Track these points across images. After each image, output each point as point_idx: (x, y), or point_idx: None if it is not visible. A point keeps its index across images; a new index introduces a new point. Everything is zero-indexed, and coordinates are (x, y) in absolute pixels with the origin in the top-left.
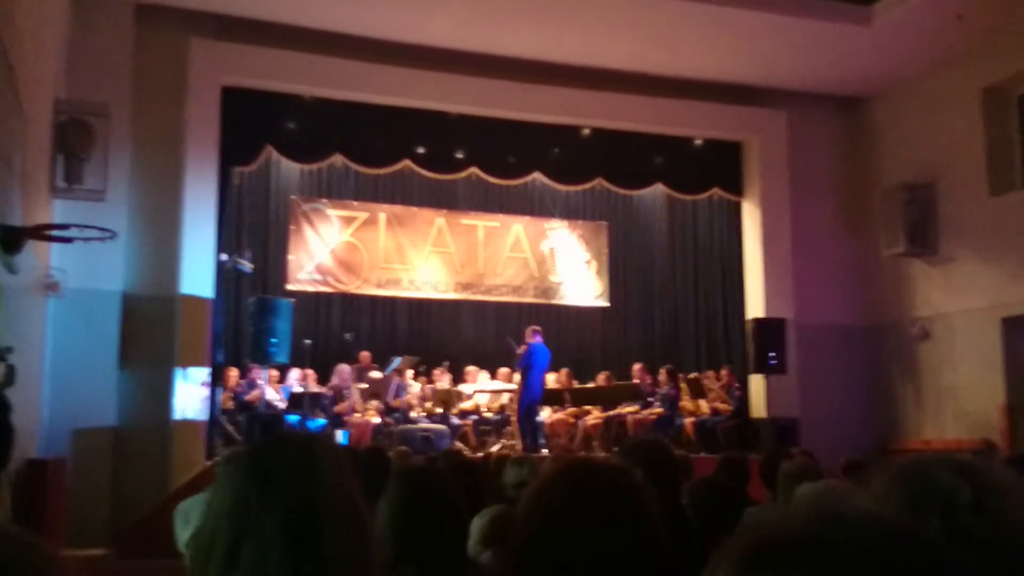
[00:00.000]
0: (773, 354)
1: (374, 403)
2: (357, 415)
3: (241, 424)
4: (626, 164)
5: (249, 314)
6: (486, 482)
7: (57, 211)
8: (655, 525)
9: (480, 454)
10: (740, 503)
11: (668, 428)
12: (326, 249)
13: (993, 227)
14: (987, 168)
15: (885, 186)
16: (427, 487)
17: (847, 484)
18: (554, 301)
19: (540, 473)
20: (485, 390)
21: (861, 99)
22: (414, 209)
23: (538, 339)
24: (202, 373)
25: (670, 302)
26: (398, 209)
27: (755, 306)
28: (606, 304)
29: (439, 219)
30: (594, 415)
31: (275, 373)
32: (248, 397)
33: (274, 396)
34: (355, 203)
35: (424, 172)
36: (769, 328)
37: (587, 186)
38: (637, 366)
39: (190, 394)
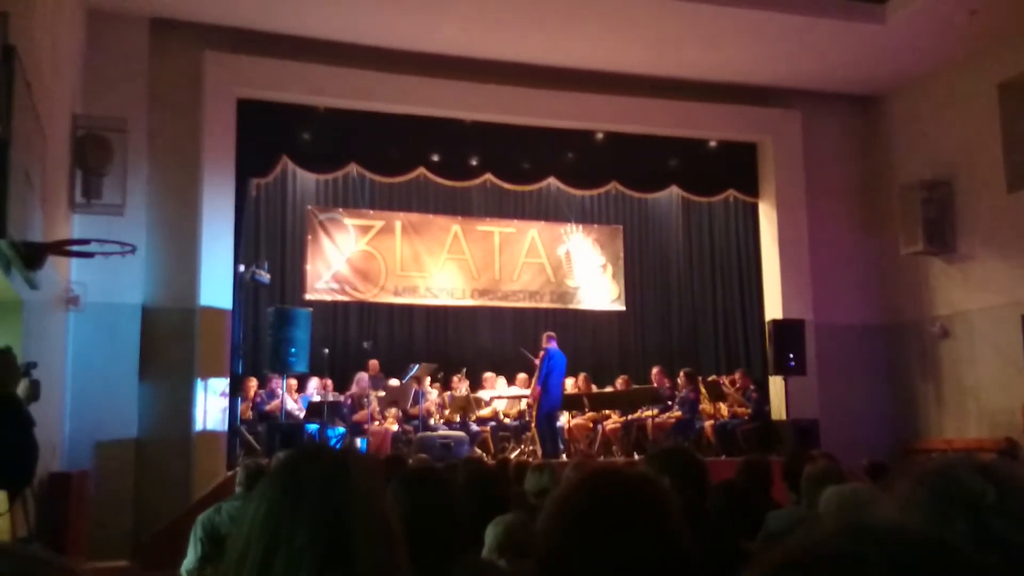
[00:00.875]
0: (792, 355)
1: (393, 411)
2: (376, 423)
3: (261, 434)
4: (640, 167)
5: (268, 324)
6: (506, 489)
7: (76, 226)
8: (681, 534)
9: (496, 460)
10: (762, 506)
11: (688, 431)
12: (343, 258)
13: (1012, 224)
14: (1004, 164)
15: (902, 184)
16: (423, 491)
17: (872, 487)
18: (571, 306)
19: (563, 481)
20: (503, 396)
21: (876, 97)
22: (430, 216)
23: (553, 344)
24: (222, 384)
25: (687, 305)
26: (414, 217)
27: (773, 307)
28: (622, 308)
29: (455, 226)
30: (613, 419)
31: (294, 382)
32: (268, 407)
33: (293, 406)
34: (371, 212)
35: (439, 179)
36: (788, 329)
37: (602, 190)
38: (655, 370)
39: (210, 405)
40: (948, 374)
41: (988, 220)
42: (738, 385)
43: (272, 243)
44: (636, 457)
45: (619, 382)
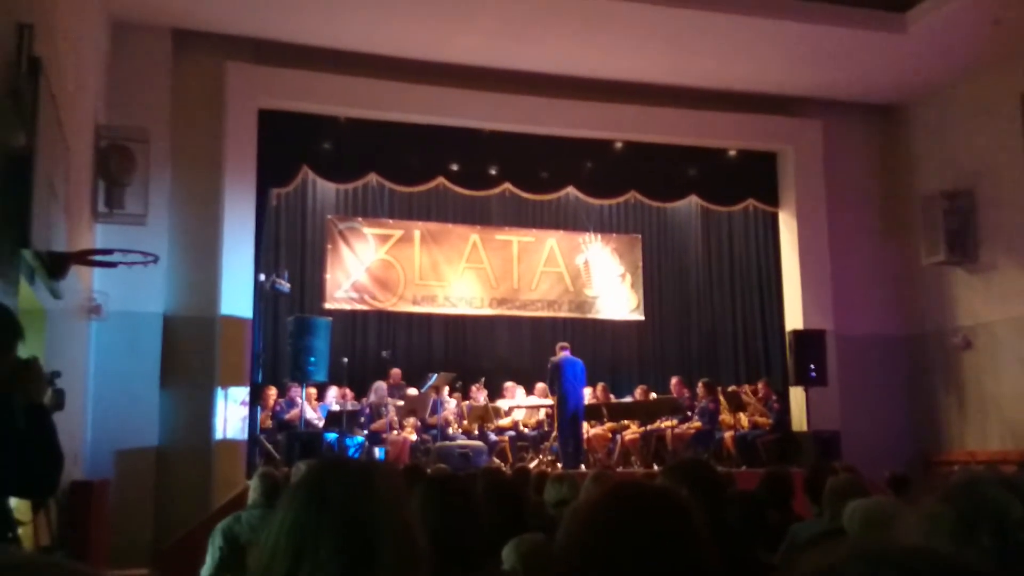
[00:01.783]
0: (813, 366)
1: (411, 420)
2: (394, 432)
3: (280, 443)
4: (660, 177)
5: (287, 333)
6: (525, 500)
7: (99, 236)
8: (704, 546)
9: (515, 470)
10: (783, 519)
11: (708, 442)
12: (362, 267)
13: None
14: None
15: (923, 194)
16: (451, 493)
17: (895, 501)
18: (589, 315)
19: (583, 494)
20: (522, 406)
21: (897, 106)
22: (449, 226)
23: (564, 353)
24: (242, 393)
25: (707, 315)
26: (433, 226)
27: (794, 317)
28: (641, 317)
29: (473, 235)
30: (632, 430)
31: (313, 391)
32: (287, 416)
33: (313, 415)
34: (390, 221)
35: (458, 189)
36: (808, 339)
37: (621, 199)
38: (674, 380)
39: (230, 414)
40: (970, 385)
41: (1010, 230)
42: (760, 395)
43: (292, 252)
44: (655, 468)
45: (638, 392)
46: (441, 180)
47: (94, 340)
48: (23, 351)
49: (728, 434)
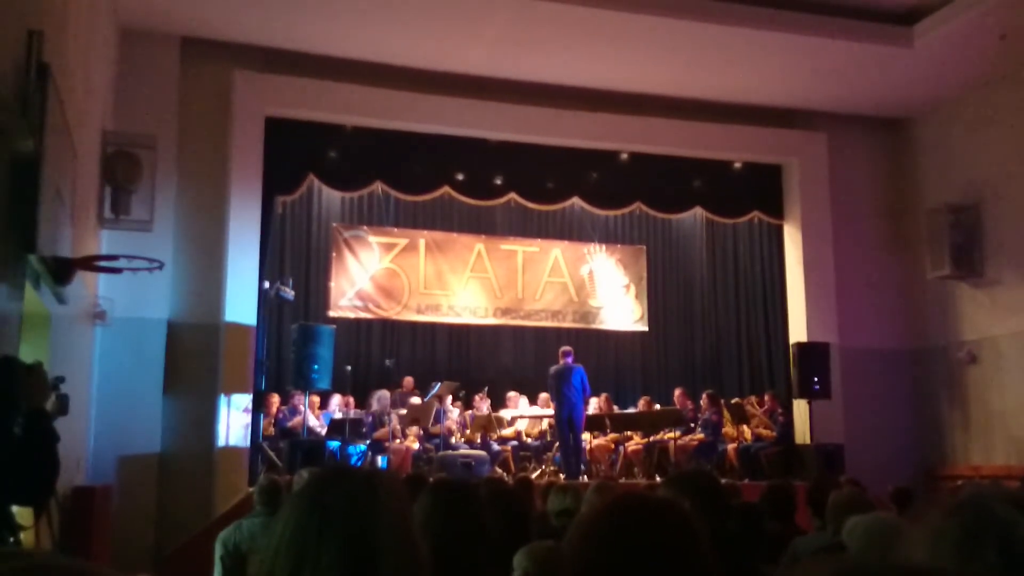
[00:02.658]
0: (817, 379)
1: (414, 429)
2: (397, 441)
3: (283, 450)
4: (665, 188)
5: (291, 341)
6: (528, 509)
7: (104, 241)
8: (705, 557)
9: (517, 479)
10: (786, 532)
11: (711, 454)
12: (366, 275)
13: None
14: None
15: (929, 208)
16: (456, 500)
17: (896, 517)
18: (593, 326)
19: (586, 505)
20: (525, 415)
21: (903, 120)
22: (454, 235)
23: (566, 360)
24: (245, 400)
25: (711, 326)
26: (438, 235)
27: (798, 330)
28: (645, 328)
29: (478, 244)
30: (635, 441)
31: (317, 399)
32: (290, 423)
33: (315, 422)
34: (395, 229)
35: (463, 198)
36: (812, 352)
37: (626, 210)
38: (678, 391)
39: (233, 421)
40: (975, 400)
41: (1016, 244)
42: (766, 407)
43: (297, 260)
44: (658, 479)
45: (641, 403)
46: (446, 189)
47: (98, 346)
48: (28, 356)
49: (731, 446)
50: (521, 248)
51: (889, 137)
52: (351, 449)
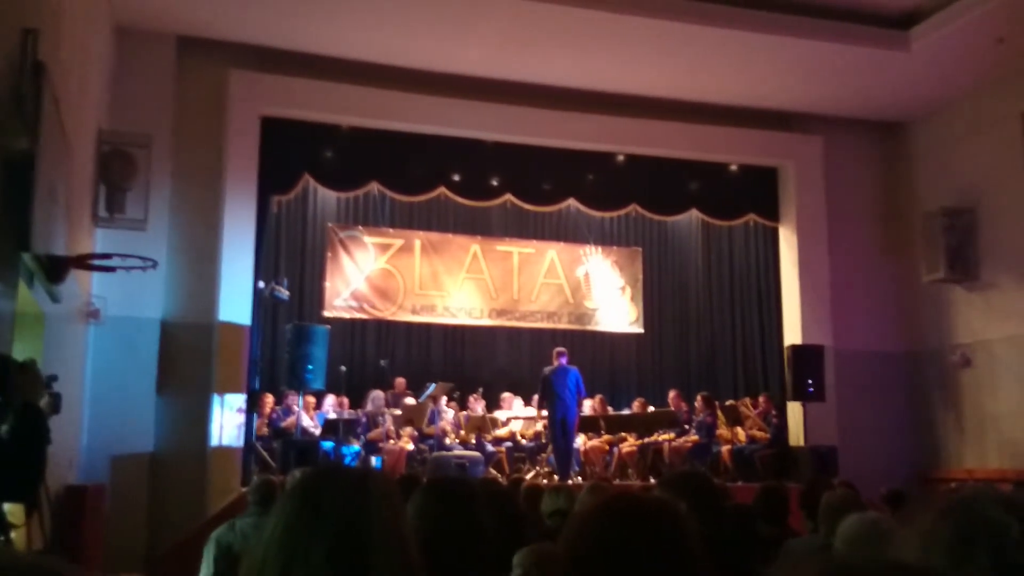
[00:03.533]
0: (811, 381)
1: (408, 430)
2: (391, 442)
3: (276, 450)
4: (661, 190)
5: (285, 341)
6: (521, 510)
7: (99, 240)
8: (699, 558)
9: (509, 480)
10: (779, 534)
11: (705, 456)
12: (361, 276)
13: None
14: None
15: (924, 211)
16: (452, 499)
17: (889, 518)
18: (588, 327)
19: (579, 506)
20: (519, 416)
21: (899, 123)
22: (449, 236)
23: (560, 361)
24: (238, 399)
25: (706, 328)
26: (433, 236)
27: (792, 332)
28: (640, 330)
29: (474, 245)
30: (629, 442)
31: (311, 399)
32: (283, 424)
33: (309, 423)
34: (391, 230)
35: (459, 199)
36: (807, 355)
37: (622, 212)
38: (672, 393)
39: (226, 420)
40: (969, 403)
41: (1011, 248)
42: (761, 409)
43: (292, 260)
44: (652, 481)
45: (636, 405)
46: (442, 190)
47: (92, 344)
48: (21, 354)
49: (725, 448)
50: (517, 249)
51: (885, 140)
52: (345, 449)
